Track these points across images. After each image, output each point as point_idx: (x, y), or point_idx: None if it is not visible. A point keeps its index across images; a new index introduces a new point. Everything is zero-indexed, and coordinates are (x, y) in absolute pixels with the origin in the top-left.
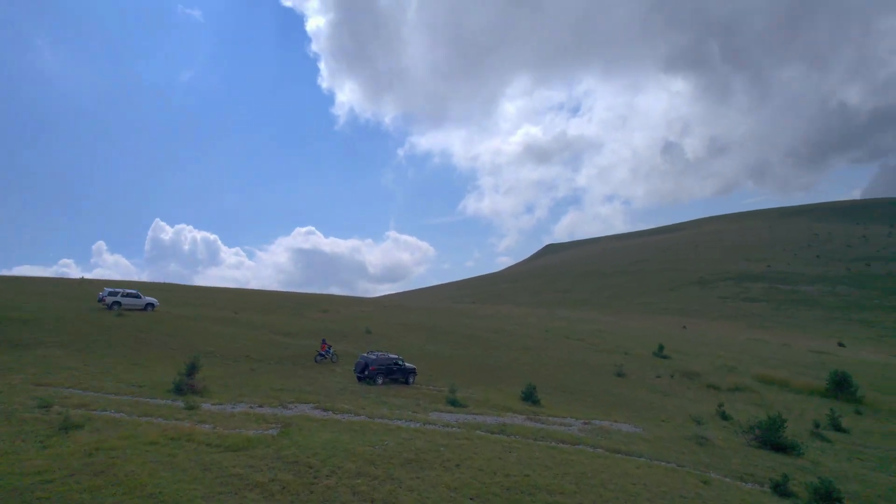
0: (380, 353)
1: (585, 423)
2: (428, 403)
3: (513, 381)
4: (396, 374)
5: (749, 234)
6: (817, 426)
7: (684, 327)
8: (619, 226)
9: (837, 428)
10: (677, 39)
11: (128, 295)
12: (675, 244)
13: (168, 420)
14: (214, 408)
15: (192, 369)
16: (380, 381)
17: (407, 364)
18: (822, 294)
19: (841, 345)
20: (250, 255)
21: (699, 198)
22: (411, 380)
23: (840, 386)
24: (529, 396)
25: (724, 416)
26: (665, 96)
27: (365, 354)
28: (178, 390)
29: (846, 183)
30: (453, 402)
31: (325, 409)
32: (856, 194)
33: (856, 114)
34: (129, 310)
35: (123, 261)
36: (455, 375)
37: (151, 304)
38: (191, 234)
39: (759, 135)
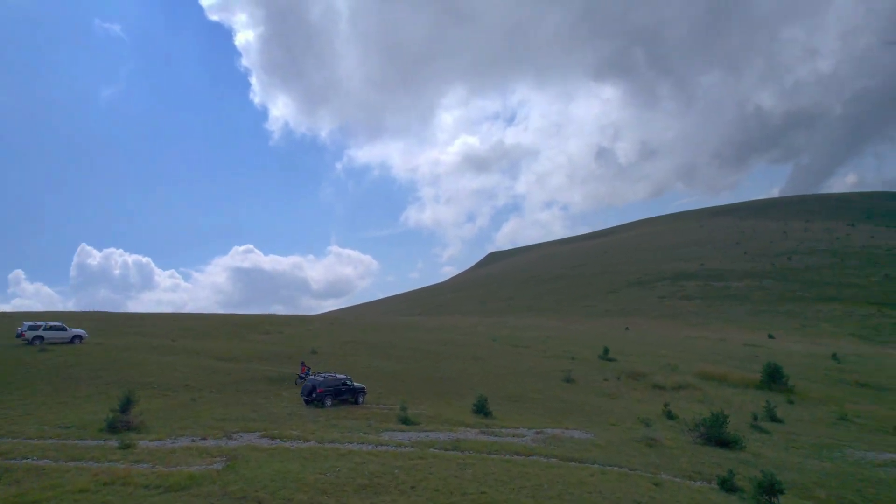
0: (327, 374)
1: (538, 433)
2: (379, 423)
3: (463, 394)
4: (345, 395)
5: (682, 235)
6: (756, 419)
7: (626, 328)
8: (559, 230)
9: (773, 419)
10: (604, 47)
11: (51, 328)
12: (613, 247)
13: (100, 463)
14: (153, 444)
15: (126, 404)
16: (328, 402)
17: (356, 383)
18: (751, 289)
19: (770, 336)
20: (186, 277)
21: (633, 201)
22: (361, 399)
23: (773, 378)
24: (481, 409)
25: (671, 416)
26: (596, 103)
27: (312, 376)
28: (112, 428)
29: (766, 182)
30: (405, 420)
31: (272, 438)
32: (775, 192)
33: (770, 116)
34: (54, 344)
35: (45, 289)
36: (405, 391)
37: (79, 337)
38: (121, 258)
39: (686, 137)
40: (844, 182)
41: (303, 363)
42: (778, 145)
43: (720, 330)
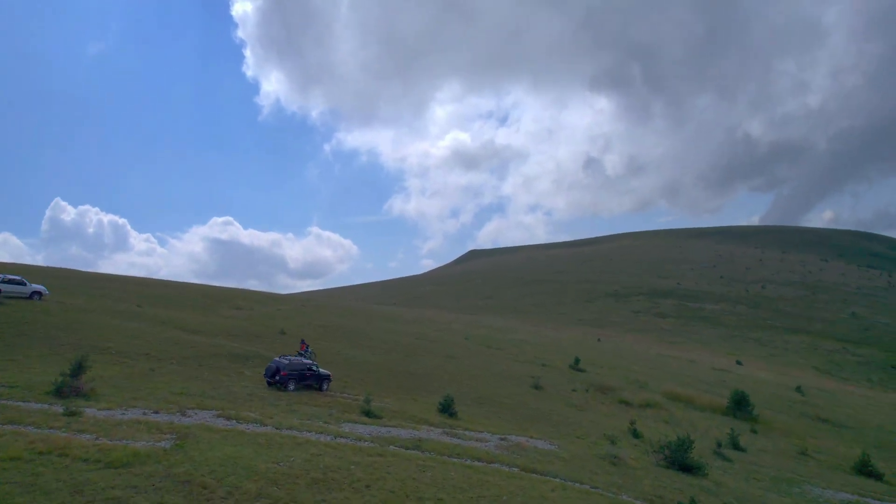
0: (293, 357)
1: (502, 439)
2: (341, 413)
3: (432, 391)
4: (310, 381)
5: (661, 252)
6: (719, 445)
7: (599, 340)
8: (541, 235)
9: (736, 447)
10: (602, 59)
11: (10, 281)
12: (593, 257)
13: (40, 429)
14: (101, 414)
15: (77, 368)
16: (291, 386)
17: (321, 370)
18: (724, 313)
19: (739, 363)
20: (162, 243)
21: (617, 213)
22: (325, 386)
23: (739, 405)
24: (447, 408)
25: (636, 434)
26: (589, 113)
27: (277, 358)
28: (59, 393)
29: (746, 209)
30: (368, 413)
31: (228, 418)
32: (754, 220)
33: (757, 145)
34: (11, 297)
35: (14, 240)
36: (373, 383)
37: (38, 293)
38: (96, 217)
39: (674, 156)
40: (821, 217)
41: (303, 341)
42: (762, 174)
43: (690, 350)
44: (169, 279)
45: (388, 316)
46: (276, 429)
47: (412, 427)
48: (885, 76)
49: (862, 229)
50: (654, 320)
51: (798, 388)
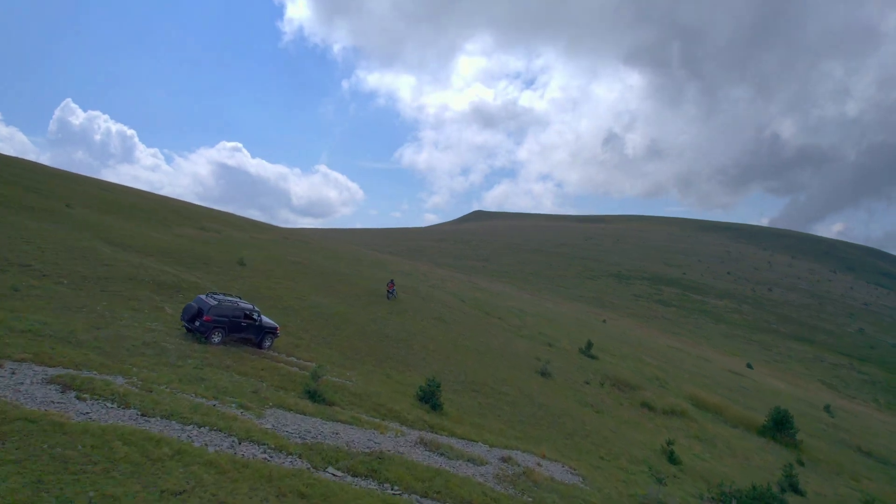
0: (225, 297)
1: (504, 460)
2: (274, 390)
3: (411, 363)
4: (246, 333)
5: (669, 240)
6: (782, 490)
7: (604, 321)
8: (549, 206)
9: (795, 489)
10: (643, 34)
11: None
12: (599, 234)
13: None
14: None
15: None
16: (216, 338)
17: (265, 319)
18: (728, 310)
19: (749, 366)
20: (169, 160)
21: (628, 195)
22: (268, 343)
23: (780, 426)
24: (429, 398)
25: (673, 459)
26: (619, 87)
27: (203, 297)
28: None
29: (757, 209)
30: (313, 395)
31: (70, 387)
32: (764, 221)
33: (785, 147)
34: None
35: (20, 135)
36: (336, 344)
37: None
38: (105, 124)
39: (697, 147)
40: (830, 229)
41: (391, 281)
42: (781, 177)
43: (696, 346)
44: (166, 194)
45: (379, 263)
46: (147, 415)
47: (374, 426)
48: None
49: (871, 246)
50: (655, 307)
51: (827, 408)
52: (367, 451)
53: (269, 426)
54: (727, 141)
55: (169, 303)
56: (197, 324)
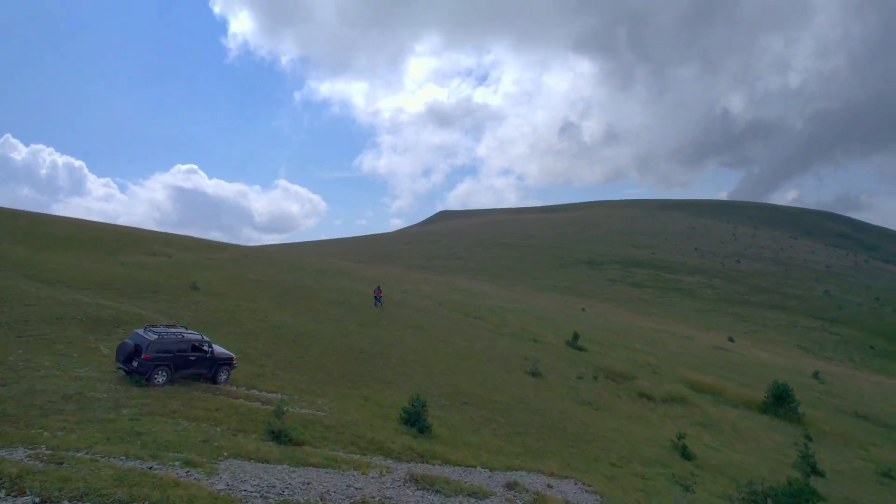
0: (168, 329)
1: (509, 488)
2: (231, 435)
3: (391, 381)
4: (196, 368)
5: (635, 222)
6: (806, 475)
7: (583, 309)
8: (512, 199)
9: (814, 470)
10: (589, 20)
11: None
12: (565, 223)
13: None
14: None
15: None
16: (160, 378)
17: (218, 349)
18: (701, 286)
19: (731, 340)
20: (123, 188)
21: (589, 182)
22: (223, 377)
23: (781, 401)
24: (415, 419)
25: (686, 454)
26: (570, 76)
27: (140, 331)
28: None
29: (715, 184)
30: (277, 436)
31: None
32: (723, 195)
33: (735, 121)
34: None
35: None
36: (305, 368)
37: None
38: (50, 157)
39: (651, 128)
40: (785, 197)
41: (378, 287)
42: (734, 151)
43: (676, 325)
44: (124, 224)
45: (346, 271)
46: (43, 501)
47: (354, 465)
48: (867, 60)
49: (824, 209)
50: (629, 290)
51: (816, 375)
52: (347, 502)
53: (221, 486)
54: (680, 120)
55: (106, 341)
56: (135, 364)
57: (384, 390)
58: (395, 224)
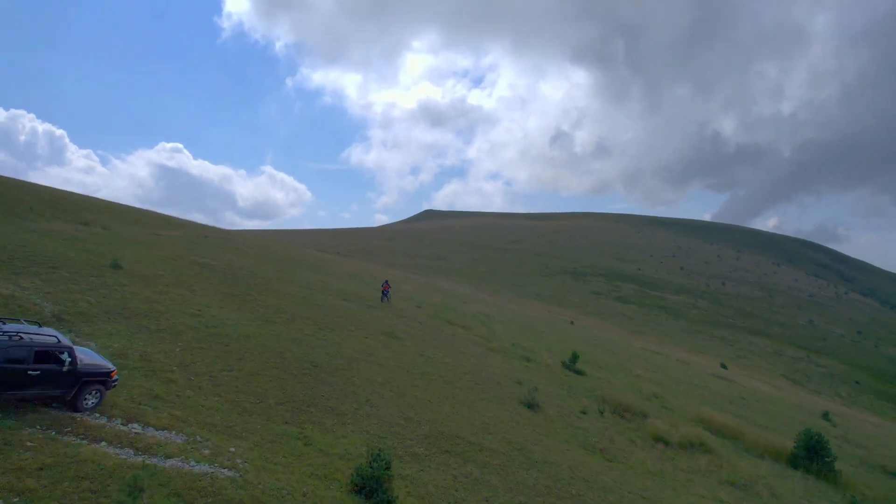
0: (8, 325)
1: None
2: None
3: (348, 413)
4: (41, 387)
5: (621, 235)
6: None
7: (572, 322)
8: (499, 204)
9: None
10: (588, 30)
11: None
12: (552, 231)
13: None
14: None
15: None
16: None
17: (88, 359)
18: (686, 306)
19: (724, 366)
20: (104, 161)
21: (576, 192)
22: (91, 401)
23: (813, 454)
24: (373, 488)
25: None
26: (566, 85)
27: None
28: None
29: (698, 206)
30: None
31: None
32: (706, 217)
33: (726, 144)
34: None
35: None
36: (230, 387)
37: None
38: (31, 124)
39: (642, 143)
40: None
41: (386, 281)
42: (721, 173)
43: (665, 345)
44: (104, 197)
45: (317, 264)
46: None
47: None
48: (858, 93)
49: (803, 238)
50: (614, 304)
51: (826, 416)
52: None
53: None
54: (670, 138)
55: None
56: None
57: (336, 428)
58: (380, 220)
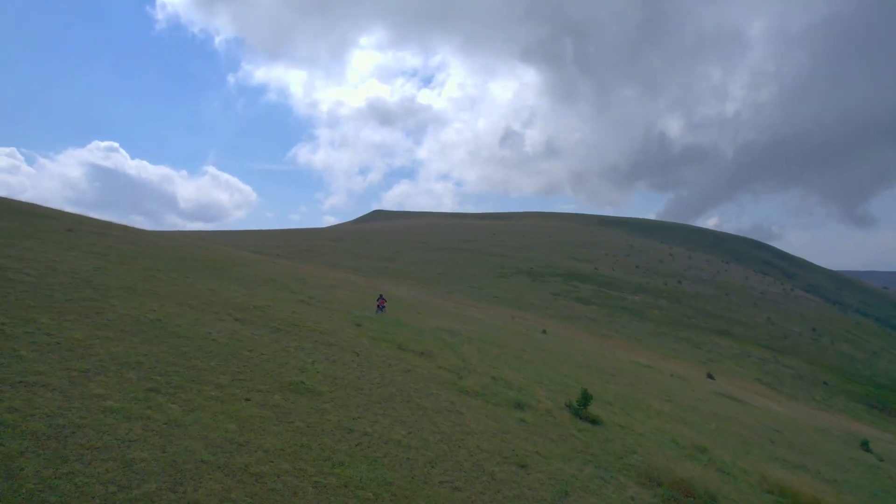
0: None
1: None
2: None
3: None
4: None
5: (574, 234)
6: None
7: (544, 331)
8: (449, 205)
9: None
10: (537, 29)
11: None
12: (504, 231)
13: None
14: None
15: None
16: None
17: None
18: (647, 306)
19: (710, 377)
20: (30, 160)
21: (526, 193)
22: None
23: None
24: None
25: None
26: (516, 85)
27: None
28: None
29: (643, 206)
30: None
31: None
32: (651, 217)
33: (672, 145)
34: None
35: None
36: None
37: None
38: None
39: (591, 144)
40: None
41: (381, 296)
42: (667, 173)
43: (633, 350)
44: (32, 201)
45: (225, 266)
46: None
47: None
48: (794, 96)
49: (744, 236)
50: (575, 306)
51: (866, 445)
52: None
53: None
54: (619, 139)
55: None
56: None
57: None
58: (329, 221)
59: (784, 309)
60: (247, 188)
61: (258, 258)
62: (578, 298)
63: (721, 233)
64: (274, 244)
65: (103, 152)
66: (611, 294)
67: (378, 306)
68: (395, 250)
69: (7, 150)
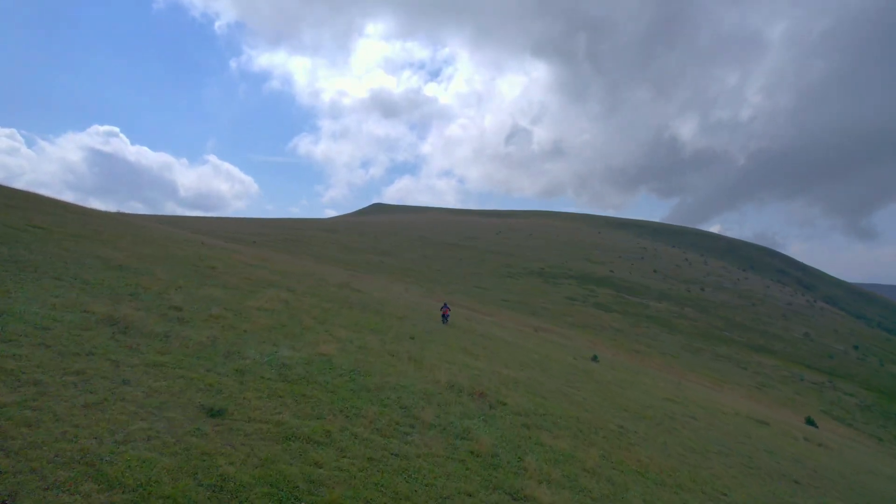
0: None
1: None
2: None
3: None
4: None
5: (584, 235)
6: None
7: (595, 358)
8: (451, 202)
9: None
10: (551, 24)
11: None
12: (509, 229)
13: None
14: None
15: None
16: None
17: None
18: (672, 315)
19: (811, 422)
20: (30, 143)
21: (528, 193)
22: None
23: None
24: None
25: None
26: (525, 80)
27: None
28: None
29: (646, 210)
30: None
31: None
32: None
33: (682, 149)
34: None
35: None
36: None
37: None
38: None
39: (598, 145)
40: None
41: (446, 304)
42: (674, 178)
43: (677, 371)
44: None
45: (202, 263)
46: None
47: None
48: (810, 105)
49: (757, 244)
50: (596, 313)
51: None
52: None
53: None
54: (628, 140)
55: None
56: None
57: None
58: (329, 214)
59: (816, 323)
60: (248, 178)
61: (233, 247)
62: (598, 304)
63: (734, 239)
64: (259, 232)
65: (103, 137)
66: (632, 301)
67: (443, 315)
68: (392, 244)
69: (7, 131)
